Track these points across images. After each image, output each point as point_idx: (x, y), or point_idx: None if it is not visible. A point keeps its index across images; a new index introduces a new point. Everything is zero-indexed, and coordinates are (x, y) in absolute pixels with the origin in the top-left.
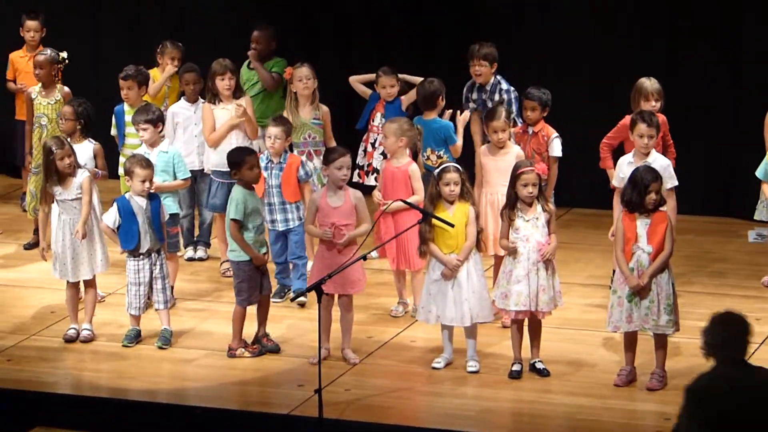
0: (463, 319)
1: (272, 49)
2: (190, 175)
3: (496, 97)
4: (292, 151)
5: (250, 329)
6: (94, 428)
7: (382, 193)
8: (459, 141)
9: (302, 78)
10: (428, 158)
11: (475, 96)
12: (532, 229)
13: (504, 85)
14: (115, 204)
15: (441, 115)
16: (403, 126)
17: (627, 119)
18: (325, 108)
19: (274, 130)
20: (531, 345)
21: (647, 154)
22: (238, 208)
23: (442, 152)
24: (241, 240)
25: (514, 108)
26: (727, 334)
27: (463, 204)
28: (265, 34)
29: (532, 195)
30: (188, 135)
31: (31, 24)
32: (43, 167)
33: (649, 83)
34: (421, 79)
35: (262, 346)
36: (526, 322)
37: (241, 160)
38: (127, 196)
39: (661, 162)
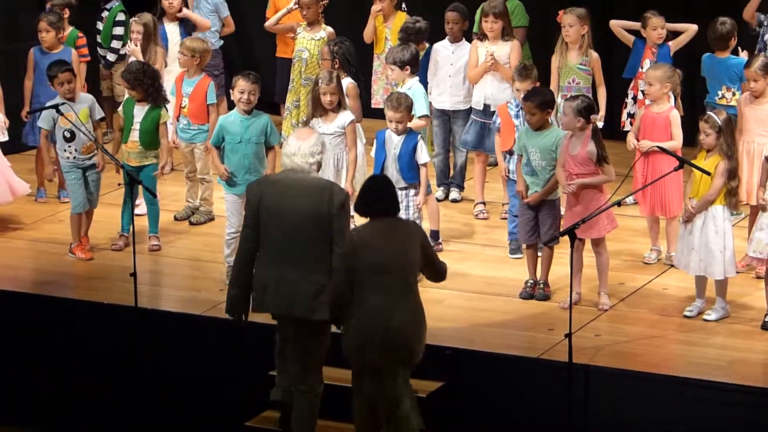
0: (689, 268)
1: None
2: (425, 113)
3: None
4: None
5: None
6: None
7: (641, 138)
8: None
9: (565, 24)
10: (722, 97)
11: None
12: None
13: None
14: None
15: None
16: (667, 72)
17: None
18: (594, 54)
19: (521, 85)
20: None
21: None
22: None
23: (735, 89)
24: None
25: None
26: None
27: (717, 156)
28: None
29: None
30: (442, 74)
31: None
32: (310, 98)
33: None
34: (688, 24)
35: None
36: None
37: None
38: (387, 130)
39: None
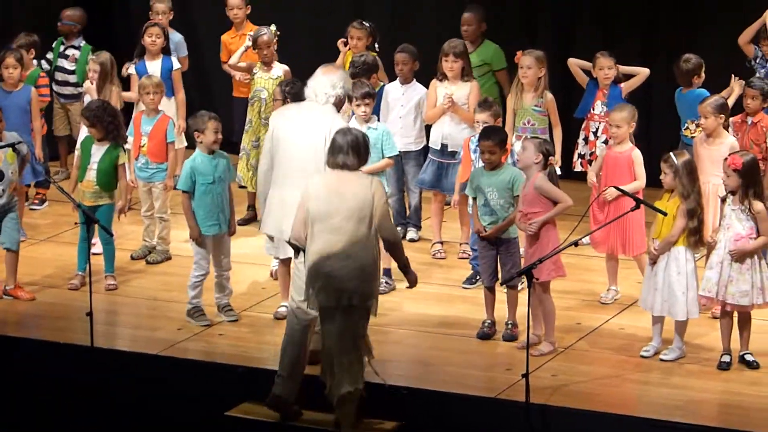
0: (654, 309)
1: (483, 31)
2: (396, 153)
3: None
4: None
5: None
6: (301, 404)
7: (604, 178)
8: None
9: (523, 66)
10: (687, 128)
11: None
12: (735, 219)
13: None
14: None
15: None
16: (630, 111)
17: None
18: (549, 96)
19: (481, 116)
20: (740, 336)
21: None
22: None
23: (699, 121)
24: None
25: None
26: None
27: (677, 197)
28: (476, 15)
29: (724, 185)
30: (393, 116)
31: (233, 2)
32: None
33: None
34: (640, 68)
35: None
36: (735, 314)
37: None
38: None
39: None
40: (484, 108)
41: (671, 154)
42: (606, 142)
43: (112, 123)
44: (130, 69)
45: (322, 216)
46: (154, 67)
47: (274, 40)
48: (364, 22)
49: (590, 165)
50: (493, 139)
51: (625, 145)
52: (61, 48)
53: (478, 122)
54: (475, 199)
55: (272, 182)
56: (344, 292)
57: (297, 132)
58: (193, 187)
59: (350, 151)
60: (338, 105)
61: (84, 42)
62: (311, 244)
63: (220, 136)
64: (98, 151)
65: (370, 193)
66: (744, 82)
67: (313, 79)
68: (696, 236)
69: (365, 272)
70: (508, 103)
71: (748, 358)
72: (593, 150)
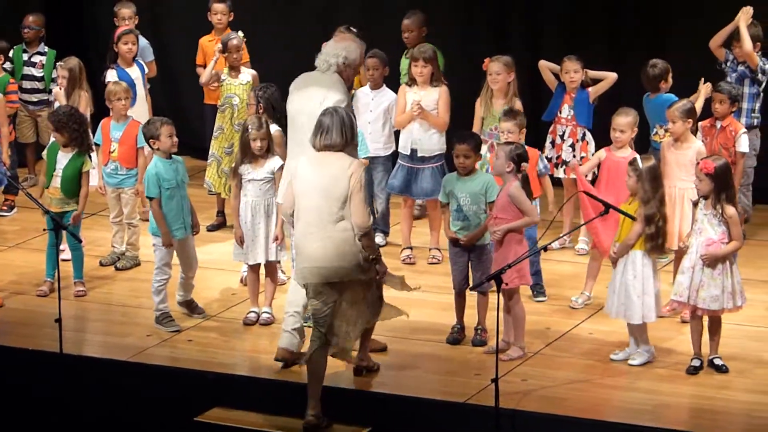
0: (611, 311)
1: (423, 36)
2: (370, 153)
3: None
4: None
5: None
6: (271, 410)
7: (604, 183)
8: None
9: (492, 73)
10: (656, 133)
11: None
12: (707, 224)
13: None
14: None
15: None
16: (636, 117)
17: None
18: (518, 104)
19: (506, 125)
20: (710, 341)
21: None
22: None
23: (666, 126)
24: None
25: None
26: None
27: (636, 202)
28: (416, 21)
29: (696, 189)
30: (362, 121)
31: (218, 7)
32: (239, 144)
33: None
34: (608, 73)
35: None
36: (705, 318)
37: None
38: None
39: None
40: (509, 117)
41: (636, 157)
42: (573, 145)
43: (77, 130)
44: (111, 76)
45: (304, 195)
46: (135, 72)
47: (243, 45)
48: (351, 28)
49: (556, 168)
50: (469, 143)
51: (626, 151)
52: (25, 56)
53: (503, 132)
54: (447, 204)
55: (288, 153)
56: (322, 270)
57: (301, 102)
58: (160, 193)
59: (334, 132)
60: (342, 74)
61: (47, 47)
62: (296, 222)
63: (176, 139)
64: (64, 158)
65: (347, 174)
66: (711, 86)
67: (324, 46)
68: (653, 242)
69: (342, 253)
70: (477, 109)
71: (718, 362)
72: (560, 153)
